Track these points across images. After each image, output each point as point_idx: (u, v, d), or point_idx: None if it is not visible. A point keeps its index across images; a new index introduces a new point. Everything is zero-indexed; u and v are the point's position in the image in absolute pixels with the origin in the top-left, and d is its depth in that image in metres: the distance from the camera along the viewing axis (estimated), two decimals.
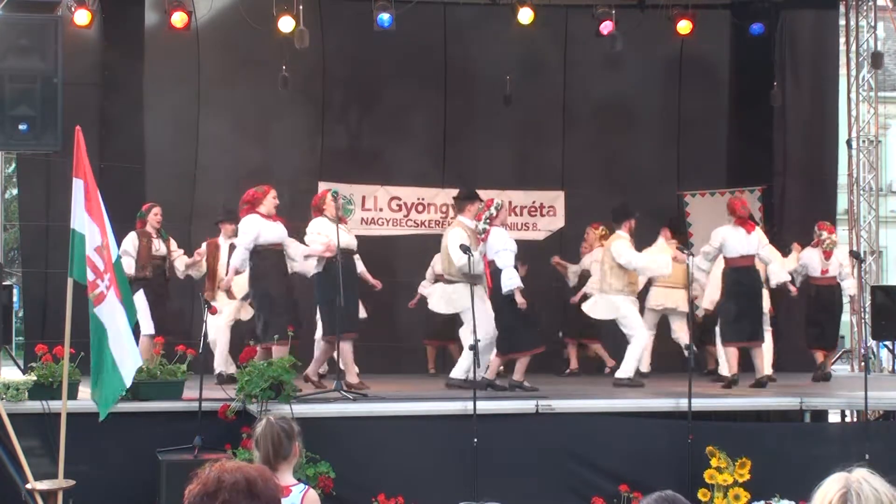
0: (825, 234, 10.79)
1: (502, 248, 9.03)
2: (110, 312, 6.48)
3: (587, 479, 7.92)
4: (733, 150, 13.15)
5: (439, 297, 9.57)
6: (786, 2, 12.55)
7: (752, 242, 9.81)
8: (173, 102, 12.08)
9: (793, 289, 10.50)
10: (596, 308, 10.15)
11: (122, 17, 11.45)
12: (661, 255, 10.40)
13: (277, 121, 12.50)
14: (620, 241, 9.92)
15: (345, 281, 8.63)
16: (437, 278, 10.43)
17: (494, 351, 9.26)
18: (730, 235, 9.81)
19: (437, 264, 10.60)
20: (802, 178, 12.66)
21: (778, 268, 10.21)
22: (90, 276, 6.48)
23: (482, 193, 12.84)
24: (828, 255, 10.78)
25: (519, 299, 8.94)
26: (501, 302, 9.07)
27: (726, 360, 9.98)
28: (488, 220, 9.18)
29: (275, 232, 8.99)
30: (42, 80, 8.25)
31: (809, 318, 11.11)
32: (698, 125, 13.26)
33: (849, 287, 10.98)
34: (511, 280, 8.94)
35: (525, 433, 7.95)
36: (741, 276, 9.82)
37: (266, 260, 8.93)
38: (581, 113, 13.32)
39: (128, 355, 6.51)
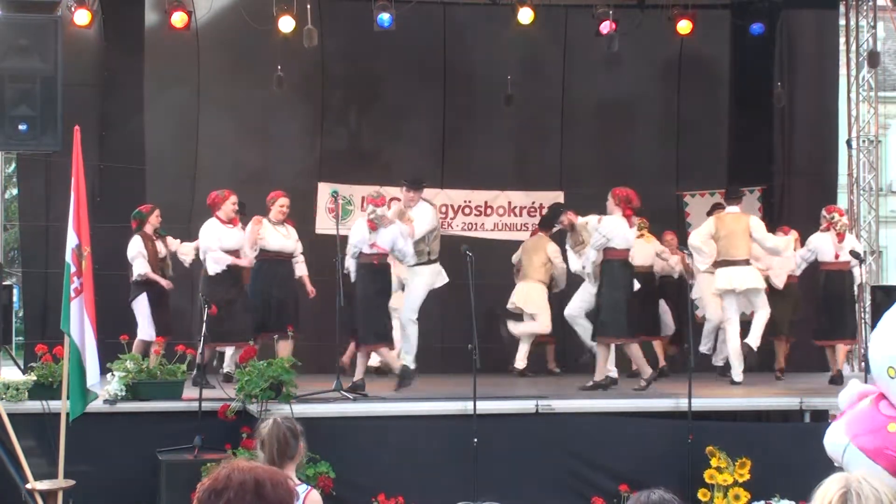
0: (836, 217, 10.37)
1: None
2: (76, 315, 6.52)
3: (587, 478, 7.93)
4: (733, 150, 13.11)
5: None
6: (786, 2, 12.52)
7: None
8: (173, 102, 12.07)
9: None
10: None
11: (122, 17, 11.41)
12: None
13: (277, 121, 12.49)
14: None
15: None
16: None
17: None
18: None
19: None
20: (802, 178, 12.63)
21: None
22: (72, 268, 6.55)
23: (482, 194, 13.06)
24: (841, 237, 10.33)
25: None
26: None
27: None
28: None
29: (233, 238, 9.39)
30: (42, 80, 8.26)
31: (819, 307, 10.60)
32: (698, 125, 13.24)
33: (860, 275, 10.84)
34: None
35: (525, 433, 7.95)
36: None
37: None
38: (581, 113, 13.30)
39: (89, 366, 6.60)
